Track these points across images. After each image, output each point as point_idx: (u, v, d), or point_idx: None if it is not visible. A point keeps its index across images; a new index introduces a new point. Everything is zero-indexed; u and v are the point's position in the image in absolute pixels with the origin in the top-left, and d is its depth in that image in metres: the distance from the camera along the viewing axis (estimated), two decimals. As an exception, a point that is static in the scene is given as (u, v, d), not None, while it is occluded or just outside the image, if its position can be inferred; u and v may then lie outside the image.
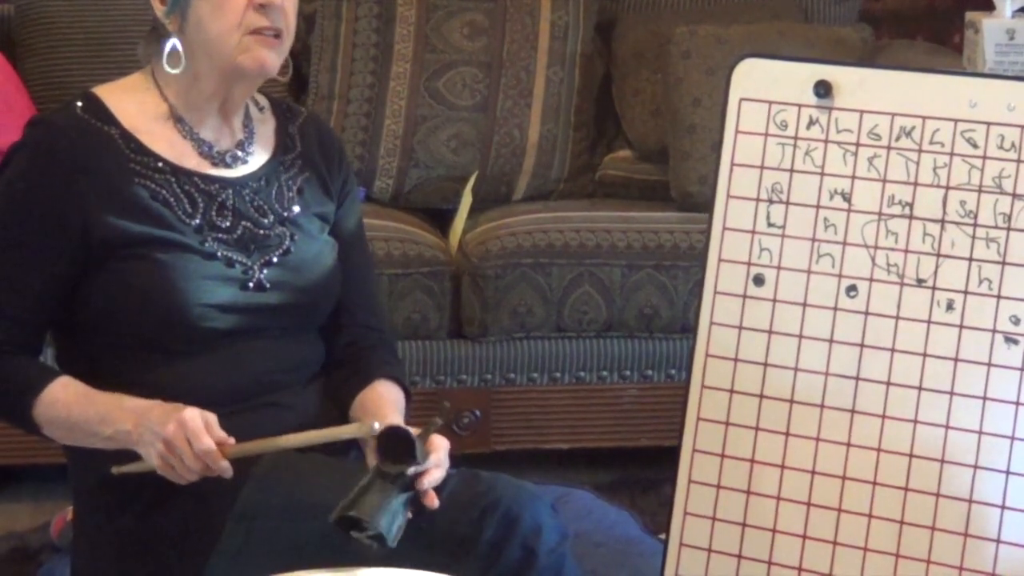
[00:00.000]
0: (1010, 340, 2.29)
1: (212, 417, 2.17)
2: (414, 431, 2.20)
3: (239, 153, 2.41)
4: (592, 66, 3.87)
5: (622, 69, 3.90)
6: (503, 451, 3.46)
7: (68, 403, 2.28)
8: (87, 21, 3.72)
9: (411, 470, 2.14)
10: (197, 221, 2.33)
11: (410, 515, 2.16)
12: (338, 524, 2.10)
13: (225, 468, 2.16)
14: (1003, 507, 2.28)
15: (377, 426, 2.16)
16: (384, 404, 2.40)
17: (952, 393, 2.31)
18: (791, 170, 2.41)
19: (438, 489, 2.25)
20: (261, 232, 2.38)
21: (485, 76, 3.77)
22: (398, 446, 2.15)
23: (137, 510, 2.34)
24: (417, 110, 3.72)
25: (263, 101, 2.49)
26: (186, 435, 2.15)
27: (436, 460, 2.21)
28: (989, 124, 2.33)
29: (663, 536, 2.48)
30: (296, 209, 2.43)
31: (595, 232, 3.52)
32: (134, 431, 2.21)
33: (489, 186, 3.74)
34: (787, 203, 2.41)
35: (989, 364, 2.30)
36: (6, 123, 3.42)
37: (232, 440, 2.17)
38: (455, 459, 2.33)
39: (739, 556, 2.40)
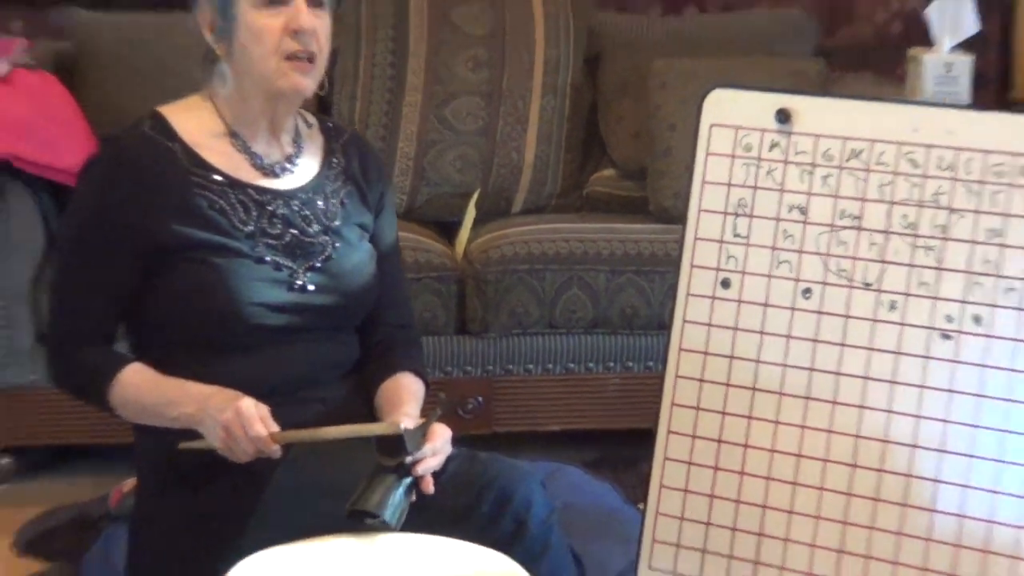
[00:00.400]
0: (945, 336, 2.30)
1: (265, 409, 2.19)
2: (417, 422, 2.23)
3: (288, 165, 2.40)
4: (580, 96, 3.89)
5: (607, 98, 3.93)
6: (503, 433, 3.47)
7: (139, 388, 2.29)
8: (135, 55, 3.74)
9: (408, 459, 2.16)
10: (250, 228, 2.33)
11: (414, 498, 2.18)
12: (352, 515, 2.13)
13: (275, 451, 2.18)
14: (937, 481, 2.28)
15: (403, 425, 2.16)
16: (404, 394, 2.41)
17: (893, 382, 2.31)
18: (755, 187, 2.41)
19: (443, 468, 2.27)
20: (307, 240, 2.37)
21: (487, 105, 3.79)
22: (392, 441, 2.16)
23: (192, 486, 2.35)
24: (427, 135, 3.75)
25: (311, 119, 2.49)
26: (242, 423, 2.16)
27: (432, 449, 2.21)
28: (929, 147, 2.32)
29: (641, 506, 2.48)
30: (339, 220, 2.42)
31: (583, 242, 3.54)
32: (196, 415, 2.22)
33: (490, 201, 3.77)
34: (751, 216, 2.41)
35: (926, 357, 2.30)
36: (67, 144, 3.46)
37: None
38: (461, 440, 2.35)
39: (707, 524, 2.40)
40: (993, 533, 2.26)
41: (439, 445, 2.25)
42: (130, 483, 2.93)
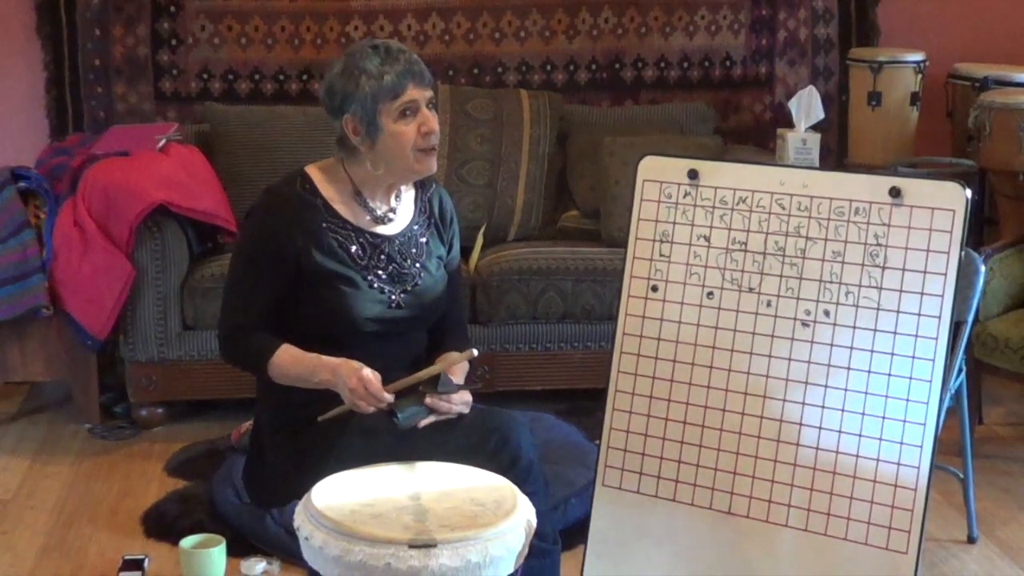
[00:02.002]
0: (804, 324, 2.28)
1: (377, 375, 2.18)
2: (461, 356, 2.25)
3: (391, 215, 2.36)
4: (554, 161, 3.84)
5: (572, 163, 3.88)
6: (502, 391, 3.42)
7: (288, 363, 2.26)
8: (251, 134, 3.69)
9: (431, 397, 2.21)
10: (364, 262, 2.30)
11: (429, 419, 2.21)
12: (389, 412, 2.19)
13: (389, 398, 2.18)
14: (800, 424, 2.26)
15: (475, 352, 2.20)
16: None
17: (770, 356, 2.29)
18: (673, 223, 2.39)
19: (463, 416, 2.26)
20: (403, 271, 2.34)
21: (490, 167, 3.74)
22: (435, 378, 2.21)
23: (292, 428, 2.34)
24: (450, 187, 3.69)
25: None
26: (364, 384, 2.15)
27: (453, 400, 2.22)
28: (792, 195, 2.31)
29: (597, 442, 2.46)
30: (424, 255, 2.38)
31: (556, 260, 3.49)
32: (331, 380, 2.20)
33: (493, 233, 3.71)
34: (671, 242, 2.39)
35: (792, 339, 2.28)
36: (205, 194, 3.44)
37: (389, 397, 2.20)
38: (474, 396, 2.34)
39: (643, 454, 2.37)
40: (838, 460, 2.23)
41: (458, 403, 2.25)
42: (246, 425, 2.92)
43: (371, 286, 2.30)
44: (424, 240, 2.39)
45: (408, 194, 2.42)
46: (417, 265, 2.36)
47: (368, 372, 2.17)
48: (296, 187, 2.31)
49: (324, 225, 2.29)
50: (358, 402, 2.17)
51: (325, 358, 2.23)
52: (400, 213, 2.38)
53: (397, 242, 2.35)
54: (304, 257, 2.27)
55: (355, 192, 2.33)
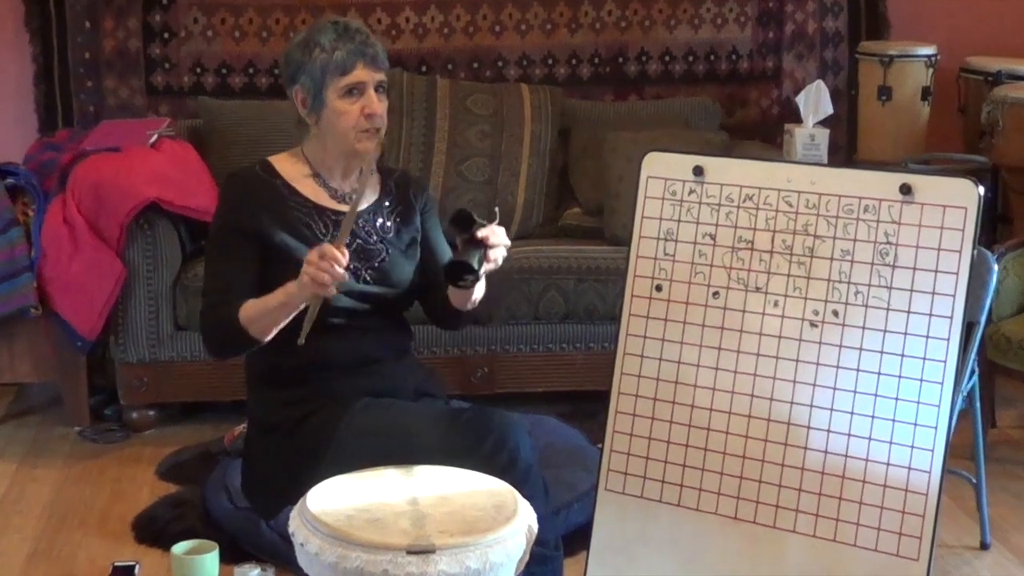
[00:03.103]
0: (812, 325, 2.27)
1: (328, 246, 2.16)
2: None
3: (353, 195, 2.36)
4: (556, 157, 3.84)
5: (574, 159, 3.88)
6: (502, 392, 3.42)
7: (254, 305, 2.25)
8: (244, 129, 3.70)
9: (482, 231, 2.20)
10: (328, 238, 2.33)
11: (488, 264, 2.23)
12: (453, 272, 2.20)
13: (344, 257, 2.13)
14: (808, 427, 2.25)
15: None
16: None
17: (777, 357, 2.28)
18: (678, 220, 2.39)
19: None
20: (368, 247, 2.38)
21: (490, 163, 3.74)
22: (462, 220, 2.21)
23: (285, 430, 2.34)
24: (449, 184, 3.70)
25: (374, 165, 2.46)
26: (318, 253, 2.13)
27: (496, 230, 2.24)
28: (799, 192, 2.30)
29: (599, 445, 2.45)
30: (392, 233, 2.41)
31: (558, 259, 3.48)
32: (293, 289, 2.19)
33: (493, 230, 3.73)
34: (676, 240, 2.38)
35: (800, 340, 2.27)
36: (198, 191, 3.43)
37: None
38: (472, 398, 2.34)
39: (647, 458, 2.36)
40: (847, 464, 2.22)
41: (499, 233, 2.25)
42: (239, 428, 2.92)
43: None
44: (392, 219, 2.44)
45: (374, 178, 2.46)
46: (383, 242, 2.40)
47: (324, 245, 2.17)
48: (255, 169, 2.40)
49: (285, 203, 2.35)
50: (318, 275, 2.13)
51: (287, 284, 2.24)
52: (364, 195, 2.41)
53: (361, 220, 2.39)
54: (268, 233, 2.32)
55: (314, 174, 2.40)
